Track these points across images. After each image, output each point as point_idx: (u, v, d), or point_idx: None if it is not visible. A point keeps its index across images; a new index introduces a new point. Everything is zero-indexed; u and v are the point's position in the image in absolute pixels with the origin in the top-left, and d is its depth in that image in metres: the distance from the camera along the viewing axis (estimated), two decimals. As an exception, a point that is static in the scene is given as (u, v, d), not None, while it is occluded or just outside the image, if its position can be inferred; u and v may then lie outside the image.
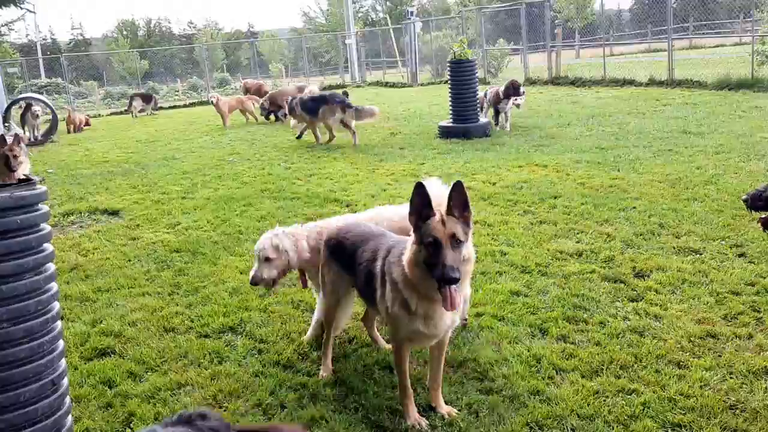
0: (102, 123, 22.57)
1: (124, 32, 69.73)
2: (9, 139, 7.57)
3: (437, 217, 3.06)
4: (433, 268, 3.00)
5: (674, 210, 6.72)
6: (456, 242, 3.01)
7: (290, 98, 14.24)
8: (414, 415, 3.50)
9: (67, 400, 2.84)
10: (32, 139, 17.21)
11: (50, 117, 18.62)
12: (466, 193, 3.09)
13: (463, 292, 3.35)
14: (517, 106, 13.20)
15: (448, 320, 3.29)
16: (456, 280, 2.95)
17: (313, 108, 12.96)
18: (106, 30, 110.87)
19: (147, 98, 25.23)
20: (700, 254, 5.56)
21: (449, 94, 12.85)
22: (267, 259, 4.29)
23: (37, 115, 17.51)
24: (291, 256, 4.33)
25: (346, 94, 15.92)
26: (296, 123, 14.15)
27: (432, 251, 3.02)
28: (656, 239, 5.99)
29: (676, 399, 3.52)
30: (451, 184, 3.11)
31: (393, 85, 29.46)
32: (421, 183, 3.14)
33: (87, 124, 21.11)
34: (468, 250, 3.09)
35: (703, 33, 31.37)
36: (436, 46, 31.20)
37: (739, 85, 16.02)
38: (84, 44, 72.29)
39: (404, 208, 4.29)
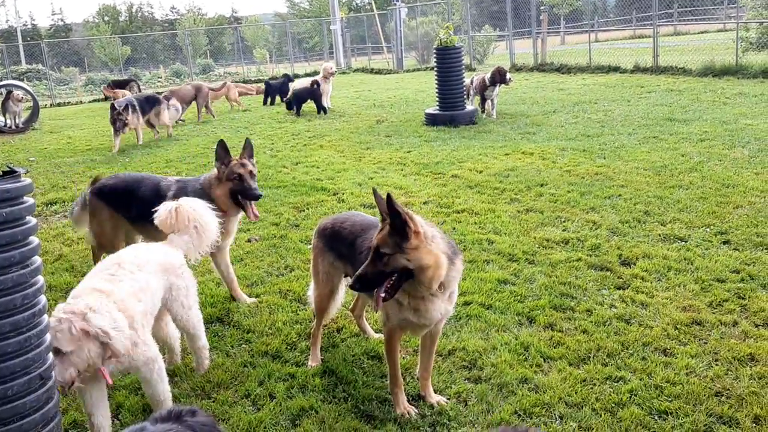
0: (84, 110, 22.30)
1: (106, 18, 68.82)
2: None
3: (381, 226, 3.18)
4: None
5: (659, 197, 6.77)
6: (379, 255, 3.10)
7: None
8: (403, 404, 3.51)
9: (56, 393, 2.82)
10: (13, 127, 16.96)
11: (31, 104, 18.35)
12: (395, 205, 3.02)
13: (448, 291, 3.34)
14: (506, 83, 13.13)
15: (440, 310, 3.30)
16: (354, 288, 3.23)
17: (146, 108, 13.14)
18: (87, 15, 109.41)
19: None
20: (686, 242, 5.61)
21: (435, 81, 12.82)
22: (57, 352, 2.89)
23: (20, 100, 17.20)
24: (114, 339, 2.97)
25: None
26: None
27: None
28: (642, 227, 6.03)
29: (662, 386, 3.56)
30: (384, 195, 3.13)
31: (378, 72, 29.32)
32: (389, 194, 3.11)
33: None
34: (412, 259, 3.07)
35: (688, 19, 31.49)
36: (422, 32, 31.08)
37: (723, 72, 16.12)
38: (65, 30, 71.34)
39: (158, 249, 3.83)
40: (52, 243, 6.79)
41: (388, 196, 3.06)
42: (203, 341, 4.02)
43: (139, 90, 24.76)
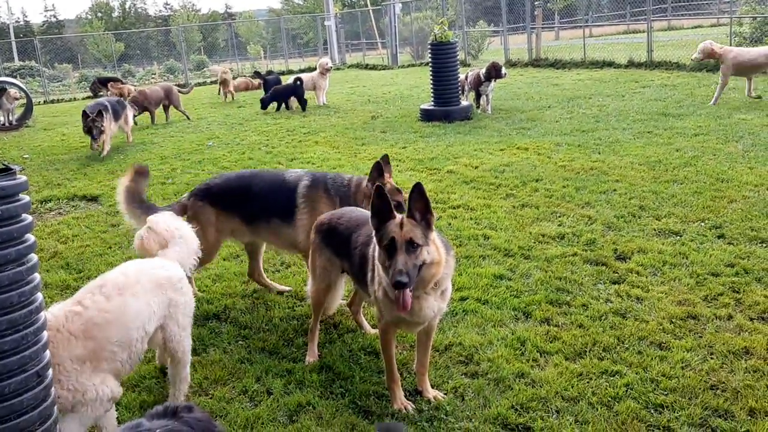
0: (77, 107, 22.16)
1: (99, 14, 68.49)
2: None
3: (396, 219, 3.10)
4: (388, 271, 3.06)
5: (654, 192, 6.79)
6: (412, 246, 3.03)
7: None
8: (401, 399, 3.52)
9: (53, 391, 2.81)
10: (7, 124, 16.89)
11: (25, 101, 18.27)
12: (426, 195, 3.09)
13: (441, 289, 3.35)
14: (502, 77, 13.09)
15: (433, 308, 3.31)
16: (403, 285, 2.98)
17: (120, 112, 12.38)
18: (80, 11, 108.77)
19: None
20: (680, 236, 5.63)
21: (430, 77, 12.81)
22: None
23: (17, 98, 17.11)
24: None
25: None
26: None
27: (388, 254, 3.07)
28: (637, 221, 6.05)
29: (658, 380, 3.58)
30: (411, 186, 3.11)
31: (373, 67, 29.29)
32: (381, 186, 3.15)
33: None
34: (430, 253, 3.10)
35: (681, 14, 31.56)
36: (416, 28, 31.03)
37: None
38: (58, 26, 70.99)
39: (155, 263, 3.52)
40: (47, 240, 6.77)
41: (419, 185, 3.07)
42: (187, 371, 3.64)
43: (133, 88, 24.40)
